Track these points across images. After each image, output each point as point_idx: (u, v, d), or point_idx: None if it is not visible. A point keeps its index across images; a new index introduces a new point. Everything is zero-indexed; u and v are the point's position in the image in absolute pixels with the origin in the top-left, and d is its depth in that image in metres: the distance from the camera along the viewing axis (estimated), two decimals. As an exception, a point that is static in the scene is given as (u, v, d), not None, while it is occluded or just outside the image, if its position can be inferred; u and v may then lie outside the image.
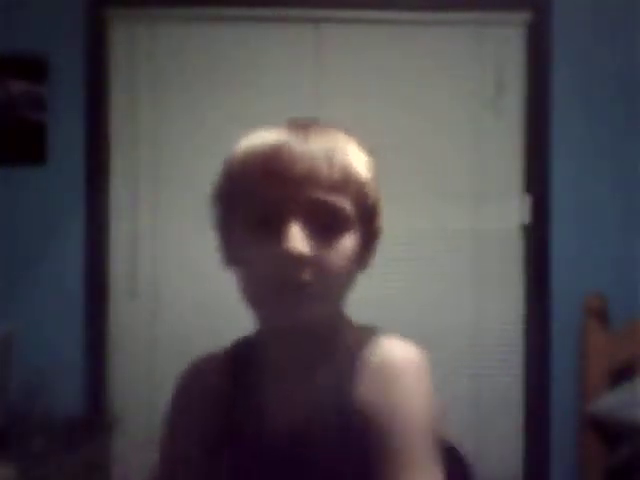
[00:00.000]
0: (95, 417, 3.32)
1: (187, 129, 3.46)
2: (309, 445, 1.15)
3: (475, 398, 3.48)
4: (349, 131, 1.22)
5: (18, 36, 3.41)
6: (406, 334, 1.24)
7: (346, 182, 1.14)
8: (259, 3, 3.48)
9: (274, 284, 1.12)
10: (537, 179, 3.49)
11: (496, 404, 3.47)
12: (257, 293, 1.16)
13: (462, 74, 3.50)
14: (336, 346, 1.20)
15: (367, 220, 1.20)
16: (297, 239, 1.11)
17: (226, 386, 1.25)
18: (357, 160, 1.18)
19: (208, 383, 1.27)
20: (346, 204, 1.15)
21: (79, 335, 3.39)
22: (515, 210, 3.50)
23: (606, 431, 3.26)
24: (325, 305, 1.16)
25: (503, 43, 3.51)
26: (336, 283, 1.16)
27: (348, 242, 1.16)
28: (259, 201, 1.13)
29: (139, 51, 3.47)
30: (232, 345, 1.31)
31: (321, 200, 1.13)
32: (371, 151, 1.23)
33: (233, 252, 1.20)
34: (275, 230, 1.13)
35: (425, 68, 3.50)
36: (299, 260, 1.11)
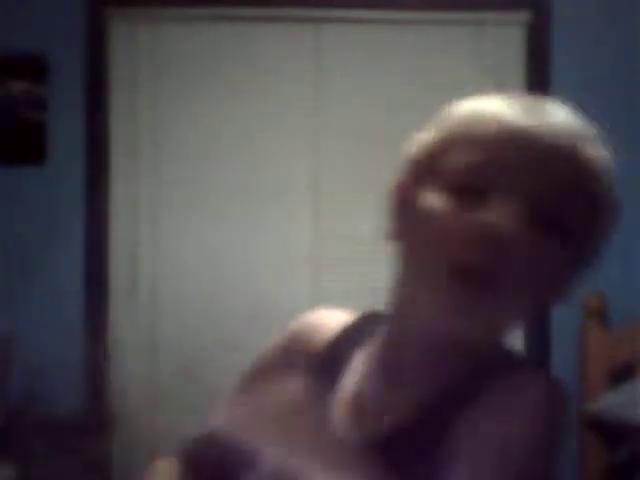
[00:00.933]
0: (95, 417, 3.32)
1: (187, 129, 3.46)
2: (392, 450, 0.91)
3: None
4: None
5: (18, 36, 3.41)
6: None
7: (585, 179, 0.95)
8: (259, 3, 3.48)
9: (452, 262, 0.88)
10: (537, 179, 3.49)
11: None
12: (422, 275, 0.92)
13: (462, 74, 3.50)
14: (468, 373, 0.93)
15: (587, 236, 0.96)
16: (505, 217, 0.88)
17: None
18: (600, 156, 0.99)
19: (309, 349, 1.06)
20: (575, 208, 0.93)
21: (79, 335, 3.39)
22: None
23: (606, 431, 3.26)
24: (495, 318, 0.91)
25: (503, 43, 3.51)
26: (522, 292, 0.90)
27: (558, 251, 0.92)
28: (477, 168, 0.93)
29: (139, 51, 3.47)
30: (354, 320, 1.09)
31: (549, 191, 0.91)
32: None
33: (409, 219, 0.97)
34: (479, 201, 0.90)
35: (425, 68, 3.50)
36: (498, 239, 0.88)
